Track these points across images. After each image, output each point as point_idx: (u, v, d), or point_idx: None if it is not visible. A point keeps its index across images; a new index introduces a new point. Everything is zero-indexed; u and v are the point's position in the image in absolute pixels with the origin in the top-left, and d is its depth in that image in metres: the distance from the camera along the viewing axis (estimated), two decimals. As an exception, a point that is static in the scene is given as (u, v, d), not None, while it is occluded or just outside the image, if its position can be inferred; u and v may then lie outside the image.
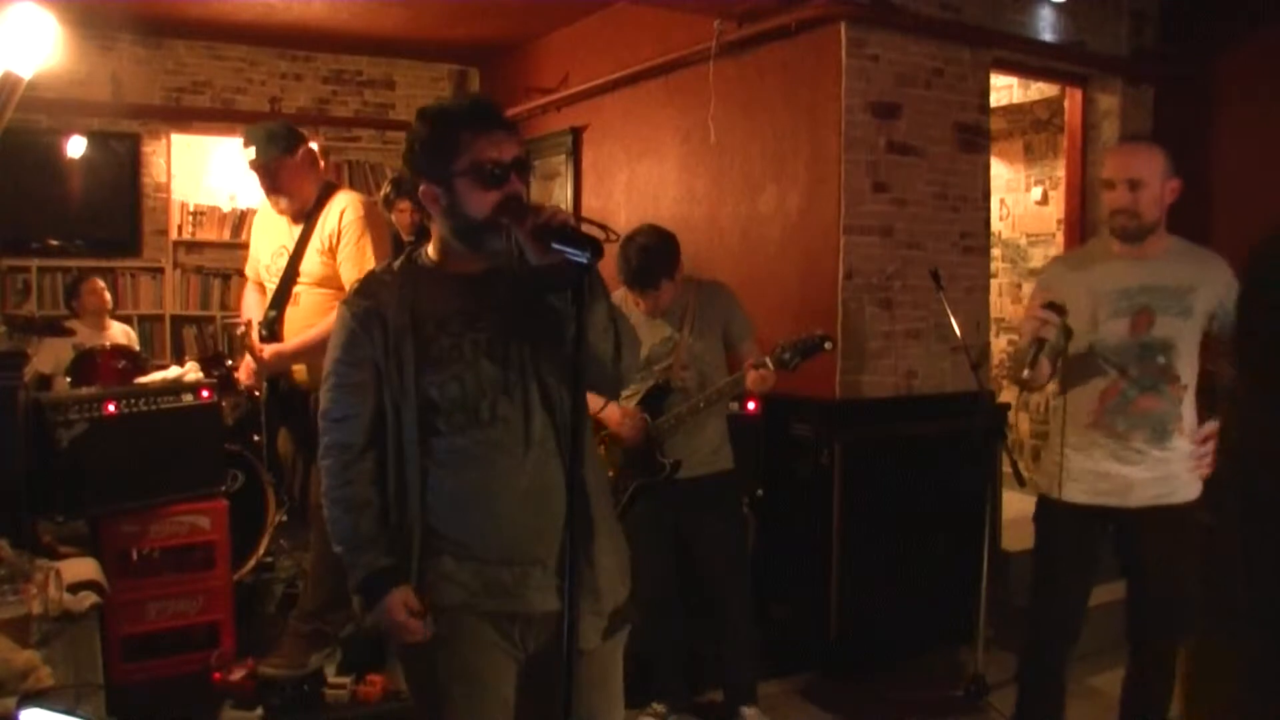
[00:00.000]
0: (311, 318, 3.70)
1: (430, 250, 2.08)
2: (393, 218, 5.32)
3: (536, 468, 1.99)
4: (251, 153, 3.66)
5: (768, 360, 3.23)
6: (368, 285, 2.07)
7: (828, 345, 3.20)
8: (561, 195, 6.48)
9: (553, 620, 1.98)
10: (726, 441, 3.64)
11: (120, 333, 5.87)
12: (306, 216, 3.74)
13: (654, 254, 3.44)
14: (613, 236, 2.46)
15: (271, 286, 3.81)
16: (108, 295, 5.89)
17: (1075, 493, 3.03)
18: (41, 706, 1.96)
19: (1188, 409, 2.95)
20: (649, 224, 3.57)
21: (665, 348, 3.55)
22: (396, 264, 2.10)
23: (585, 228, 1.83)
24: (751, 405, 4.14)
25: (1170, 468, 2.95)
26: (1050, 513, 3.13)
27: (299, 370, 3.75)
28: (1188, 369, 2.93)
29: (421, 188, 1.98)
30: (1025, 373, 2.89)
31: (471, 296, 2.01)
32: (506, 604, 2.01)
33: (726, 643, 3.64)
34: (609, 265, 2.24)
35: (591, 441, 2.18)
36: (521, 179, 1.97)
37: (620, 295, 3.57)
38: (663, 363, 3.53)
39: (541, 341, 2.00)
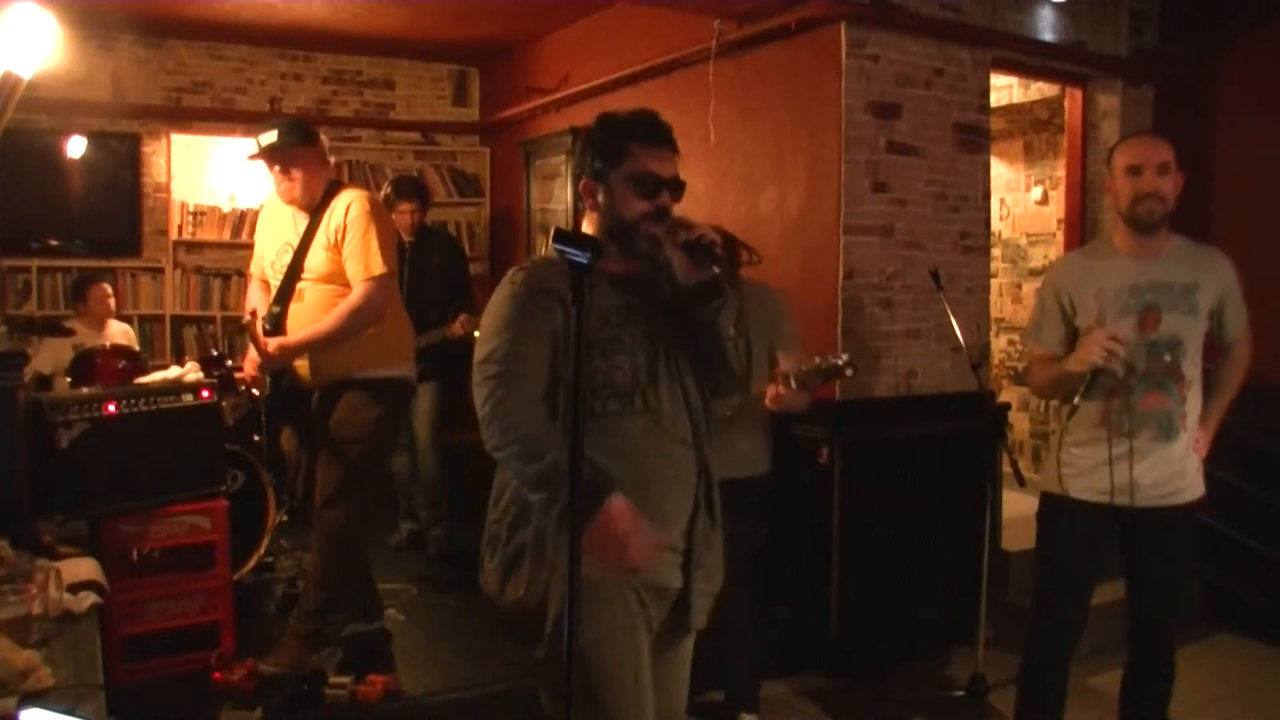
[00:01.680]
0: (315, 313, 3.70)
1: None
2: (392, 218, 5.32)
3: (681, 457, 2.19)
4: (272, 136, 3.66)
5: (791, 379, 3.20)
6: (540, 267, 2.19)
7: (849, 372, 3.17)
8: (561, 195, 6.49)
9: (673, 593, 2.21)
10: (761, 448, 3.58)
11: (119, 332, 5.87)
12: (312, 213, 3.75)
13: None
14: (754, 259, 3.05)
15: (276, 282, 3.81)
16: (112, 303, 5.88)
17: (1080, 490, 3.03)
18: (42, 707, 1.96)
19: (1193, 406, 2.97)
20: (711, 224, 3.54)
21: None
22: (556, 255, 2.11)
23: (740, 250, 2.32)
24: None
25: (1176, 466, 2.95)
26: (1055, 509, 3.13)
27: (301, 367, 3.76)
28: (1193, 366, 2.94)
29: (584, 182, 2.19)
30: (1076, 399, 2.94)
31: (627, 294, 2.17)
32: (648, 577, 2.15)
33: (730, 646, 3.63)
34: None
35: (716, 434, 2.35)
36: (674, 197, 2.17)
37: None
38: None
39: (686, 343, 2.21)
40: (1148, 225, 2.92)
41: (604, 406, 2.10)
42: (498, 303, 2.17)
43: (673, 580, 2.20)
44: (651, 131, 2.16)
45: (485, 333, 2.17)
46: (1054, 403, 3.22)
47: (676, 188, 2.17)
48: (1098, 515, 3.02)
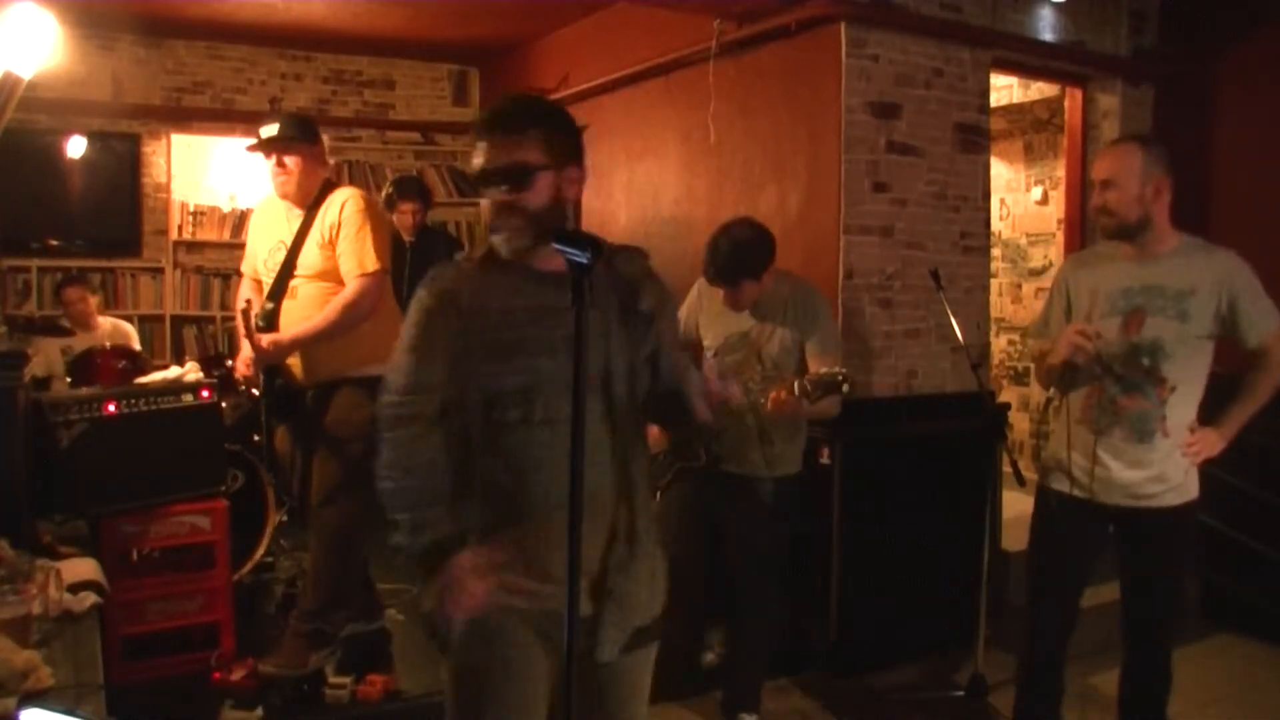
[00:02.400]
0: (308, 310, 3.69)
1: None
2: (394, 218, 5.32)
3: (591, 472, 1.93)
4: (274, 129, 3.65)
5: (795, 385, 3.18)
6: (445, 270, 2.10)
7: (845, 388, 3.11)
8: (561, 195, 6.49)
9: (585, 624, 1.98)
10: (793, 446, 3.54)
11: (112, 329, 5.82)
12: (308, 208, 3.75)
13: (745, 250, 3.36)
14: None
15: (268, 280, 3.80)
16: (89, 303, 5.77)
17: (1058, 482, 3.10)
18: (42, 707, 1.96)
19: (1176, 410, 2.93)
20: (747, 217, 3.50)
21: (740, 342, 3.48)
22: (479, 254, 2.11)
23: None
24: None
25: (1155, 470, 2.95)
26: (1043, 504, 3.19)
27: (295, 366, 3.75)
28: (1179, 372, 2.91)
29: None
30: (1052, 390, 2.94)
31: (544, 293, 2.01)
32: (545, 603, 2.00)
33: (738, 645, 3.62)
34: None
35: (646, 453, 2.18)
36: (502, 186, 1.98)
37: (700, 283, 3.56)
38: (734, 355, 3.46)
39: (616, 350, 2.02)
40: (1108, 236, 2.99)
41: (502, 415, 1.99)
42: (407, 316, 2.11)
43: (580, 608, 1.95)
44: (476, 127, 2.04)
45: (396, 352, 2.11)
46: (1052, 397, 3.23)
47: (493, 178, 1.99)
48: (1077, 509, 3.05)
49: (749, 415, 3.39)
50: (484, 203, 2.04)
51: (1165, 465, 2.95)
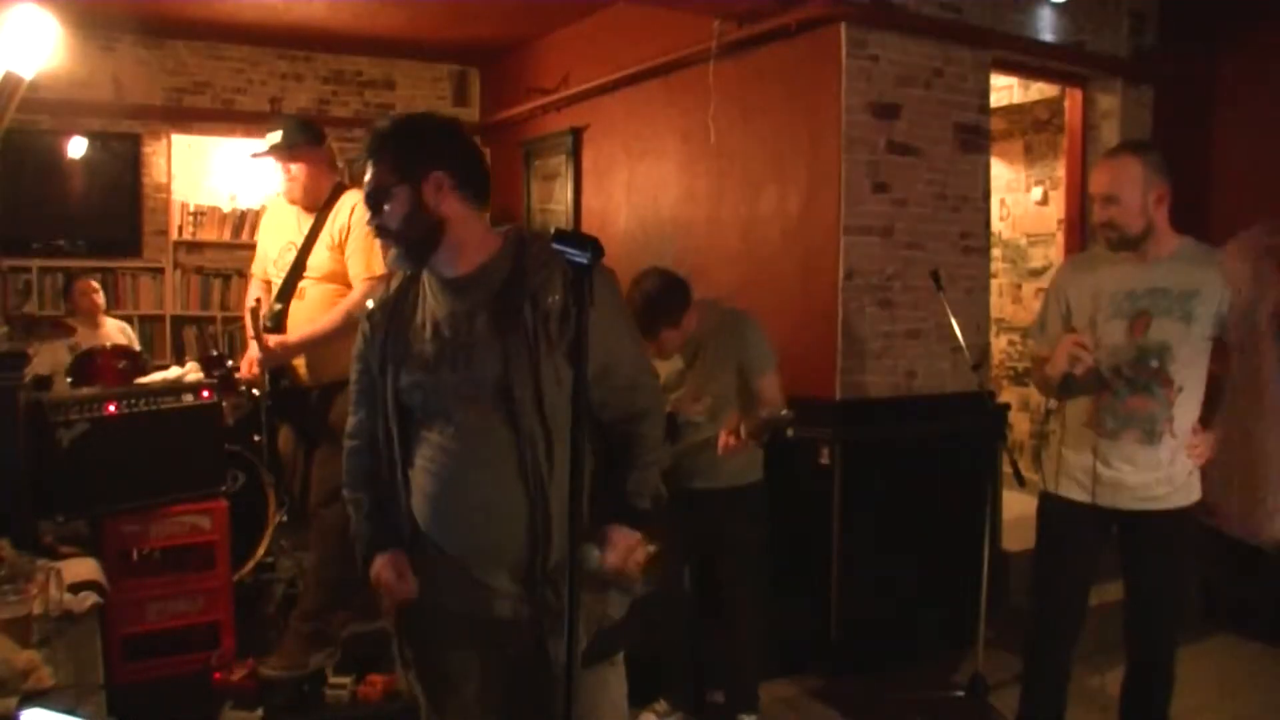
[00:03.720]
0: (316, 312, 3.71)
1: None
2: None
3: (491, 482, 1.98)
4: (277, 136, 3.68)
5: (741, 428, 3.20)
6: (379, 287, 2.18)
7: (790, 432, 3.20)
8: (562, 196, 6.49)
9: (522, 630, 2.01)
10: (749, 460, 3.54)
11: (116, 329, 5.86)
12: (318, 211, 3.76)
13: (656, 302, 3.38)
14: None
15: (278, 281, 3.83)
16: (100, 297, 5.86)
17: (1069, 488, 3.08)
18: (42, 706, 1.96)
19: (1182, 411, 2.95)
20: (655, 269, 3.49)
21: (677, 379, 3.51)
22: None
23: None
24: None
25: (1162, 471, 2.95)
26: (1048, 508, 3.17)
27: (300, 365, 3.77)
28: (1184, 372, 2.92)
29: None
30: (1051, 402, 2.94)
31: (454, 301, 2.04)
32: (471, 607, 2.05)
33: (732, 647, 3.63)
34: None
35: (573, 458, 1.93)
36: (373, 208, 2.02)
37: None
38: (675, 393, 3.48)
39: (515, 353, 1.96)
40: (1111, 248, 2.98)
41: (415, 425, 2.06)
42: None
43: (500, 611, 2.01)
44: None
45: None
46: (1053, 402, 3.22)
47: (371, 199, 2.03)
48: (1087, 514, 3.04)
49: (705, 449, 3.40)
50: None
51: (1173, 467, 2.96)
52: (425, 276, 2.09)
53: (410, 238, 2.00)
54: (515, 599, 2.01)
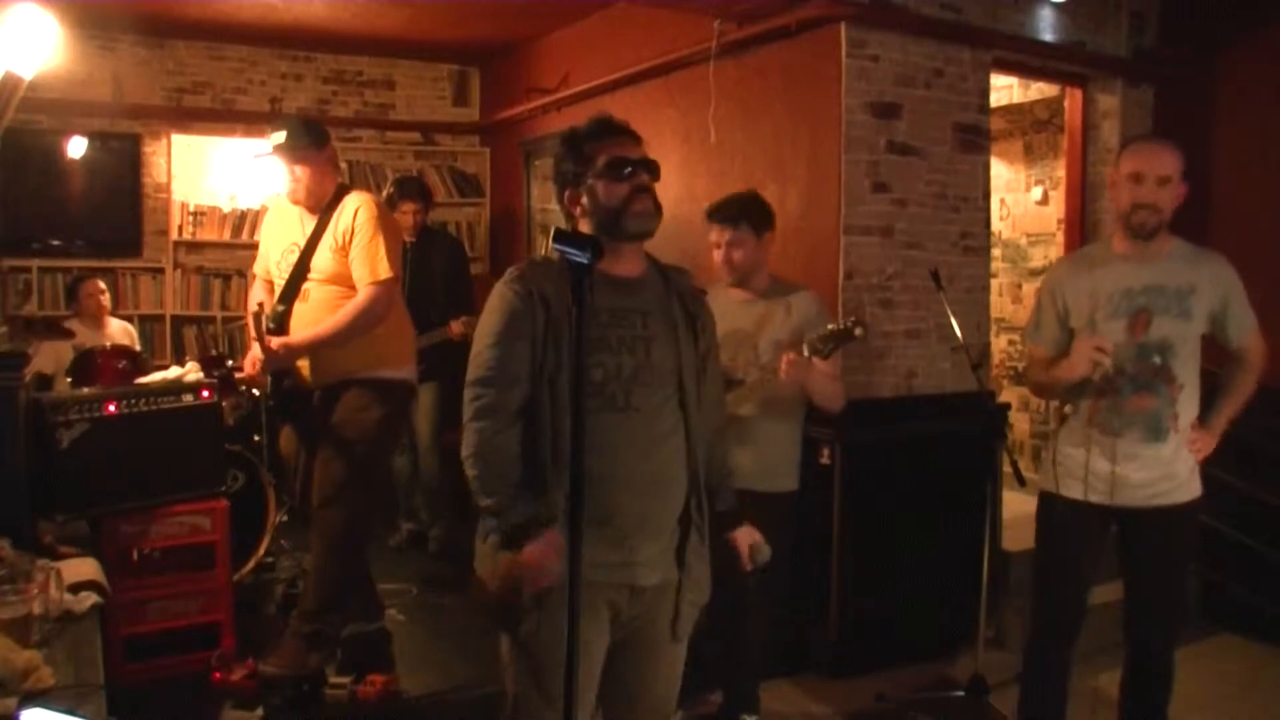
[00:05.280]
0: (320, 313, 3.70)
1: None
2: (397, 221, 5.32)
3: (664, 460, 2.23)
4: (280, 137, 3.68)
5: (805, 346, 3.16)
6: (531, 270, 2.28)
7: (858, 331, 3.11)
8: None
9: (651, 593, 2.24)
10: (787, 461, 3.50)
11: (120, 330, 5.86)
12: (321, 213, 3.75)
13: (754, 199, 3.52)
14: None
15: (280, 282, 3.82)
16: (106, 298, 5.88)
17: (1072, 489, 3.08)
18: (43, 707, 1.96)
19: (1185, 408, 2.97)
20: None
21: (733, 337, 3.43)
22: (556, 255, 2.22)
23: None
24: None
25: (1166, 468, 2.97)
26: (1049, 508, 3.17)
27: (303, 367, 3.76)
28: (1185, 369, 2.95)
29: (566, 194, 2.30)
30: (1068, 407, 2.96)
31: (623, 295, 2.24)
32: (614, 574, 2.20)
33: (735, 647, 3.61)
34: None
35: (705, 443, 2.39)
36: (651, 175, 2.25)
37: (715, 290, 3.58)
38: (727, 351, 3.37)
39: (681, 346, 2.28)
40: (1141, 233, 2.95)
41: (588, 403, 2.11)
42: (489, 308, 2.27)
43: (643, 578, 2.24)
44: (610, 126, 2.28)
45: (477, 341, 2.27)
46: (1054, 402, 3.23)
47: (651, 166, 2.26)
48: (1089, 514, 3.05)
49: (758, 425, 3.38)
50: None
51: (1176, 463, 2.97)
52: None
53: (660, 214, 2.27)
54: (660, 564, 2.25)
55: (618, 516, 2.19)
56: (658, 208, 2.25)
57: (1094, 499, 3.02)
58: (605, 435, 2.16)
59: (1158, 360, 2.92)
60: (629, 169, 2.22)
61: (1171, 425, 2.95)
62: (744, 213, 3.46)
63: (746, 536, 2.47)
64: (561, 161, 2.30)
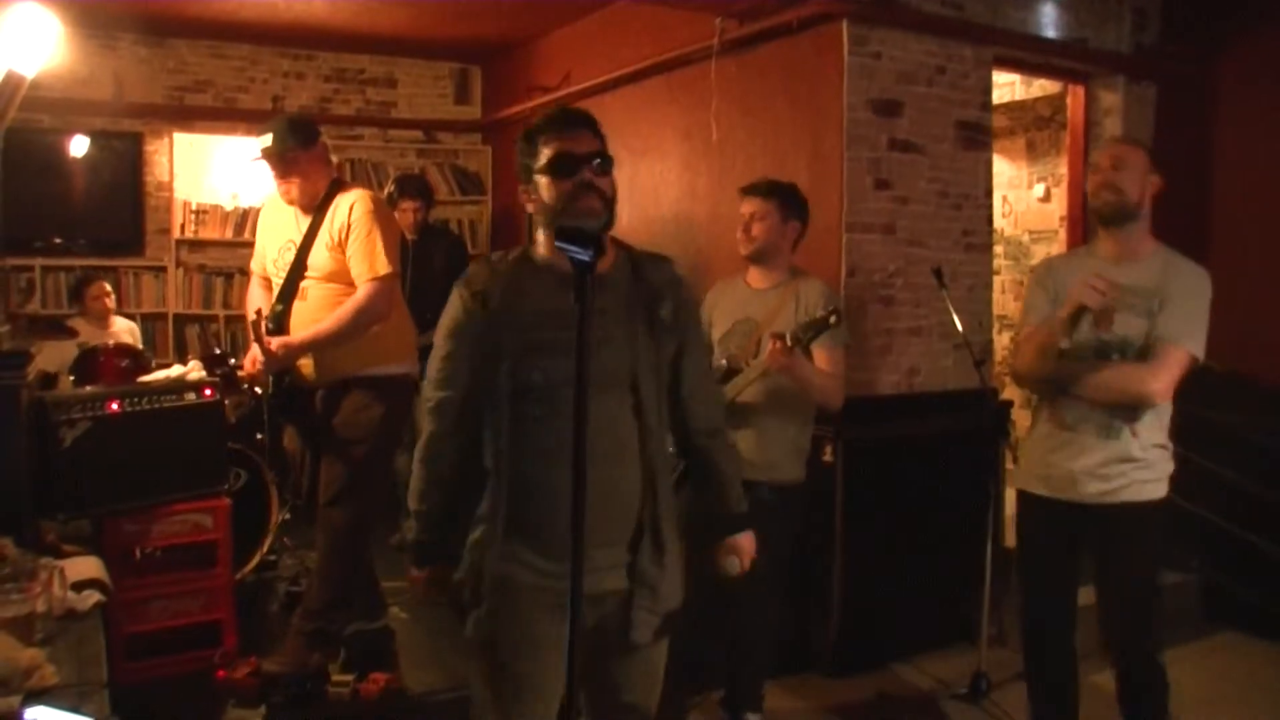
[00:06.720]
0: (318, 312, 3.68)
1: (542, 247, 2.21)
2: (396, 216, 5.31)
3: (609, 465, 2.09)
4: (268, 140, 3.65)
5: (788, 336, 3.18)
6: (480, 270, 2.24)
7: (833, 320, 3.16)
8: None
9: (611, 600, 2.15)
10: (790, 452, 3.48)
11: (125, 329, 5.87)
12: (316, 210, 3.74)
13: (789, 185, 3.51)
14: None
15: (278, 281, 3.80)
16: (111, 300, 5.88)
17: (1033, 484, 3.11)
18: (46, 705, 1.97)
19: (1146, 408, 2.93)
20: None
21: (744, 326, 3.47)
22: (512, 255, 2.25)
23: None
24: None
25: (1119, 465, 2.93)
26: (1022, 505, 3.20)
27: (305, 365, 3.75)
28: None
29: (520, 192, 2.23)
30: (1064, 342, 2.92)
31: (570, 296, 2.09)
32: (564, 581, 2.09)
33: (740, 645, 3.60)
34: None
35: (667, 450, 2.30)
36: (598, 170, 2.14)
37: (718, 284, 3.63)
38: (737, 339, 3.46)
39: (640, 352, 2.15)
40: (1106, 217, 2.98)
41: (530, 410, 2.12)
42: (444, 314, 2.26)
43: (593, 585, 2.08)
44: (561, 119, 2.18)
45: (434, 346, 2.27)
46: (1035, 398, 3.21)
47: (597, 161, 2.14)
48: (1053, 509, 3.05)
49: (764, 417, 3.38)
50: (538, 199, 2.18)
51: (1131, 461, 2.93)
52: (526, 266, 2.20)
53: (612, 212, 2.15)
54: (614, 570, 2.15)
55: (563, 526, 2.04)
56: (605, 204, 2.13)
57: (1052, 494, 3.03)
58: (549, 442, 2.10)
59: (1115, 358, 2.91)
60: (572, 163, 2.12)
61: (1124, 422, 2.92)
62: (774, 191, 3.49)
63: (726, 550, 2.41)
64: (519, 155, 2.22)
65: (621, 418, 2.12)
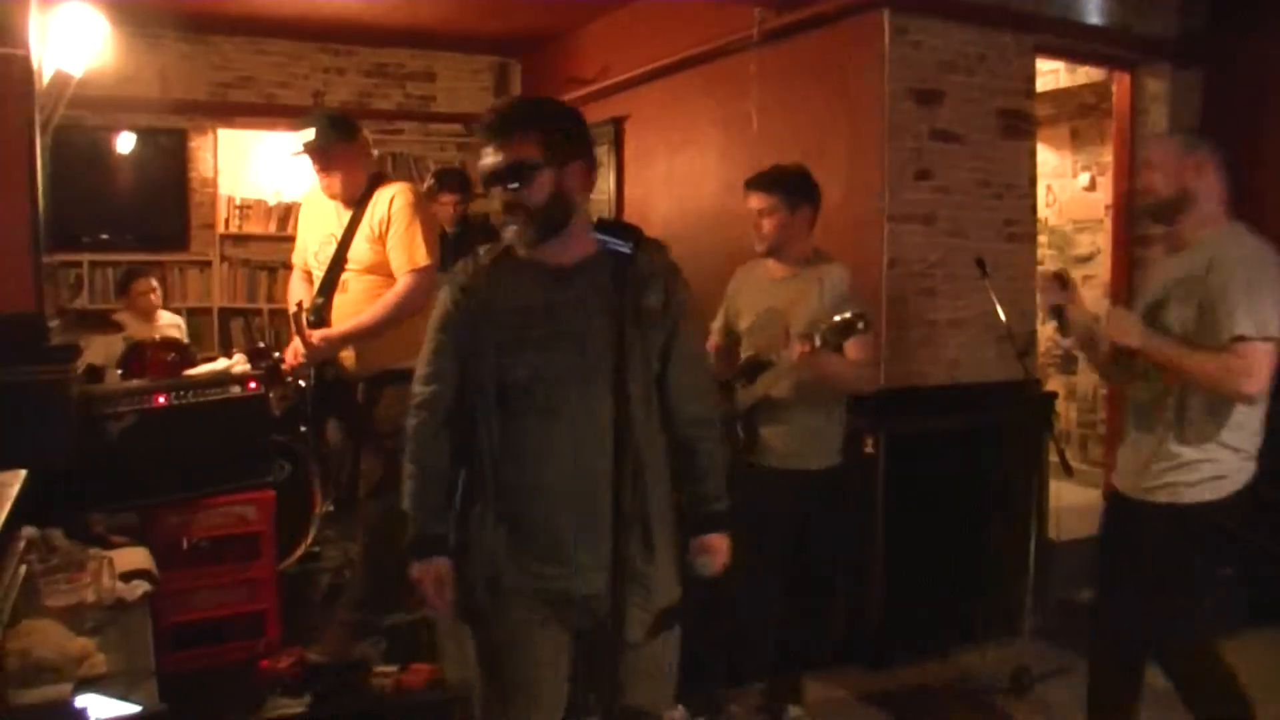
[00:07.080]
0: (359, 304, 3.72)
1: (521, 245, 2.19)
2: (435, 210, 5.34)
3: (589, 460, 2.07)
4: (310, 134, 3.68)
5: (816, 336, 3.12)
6: (467, 266, 2.23)
7: (860, 325, 3.08)
8: (603, 185, 6.48)
9: (599, 604, 2.06)
10: (821, 442, 3.43)
11: (170, 324, 5.94)
12: (356, 204, 3.77)
13: (796, 171, 3.47)
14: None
15: (319, 274, 3.83)
16: (157, 295, 5.94)
17: (1114, 478, 3.07)
18: (96, 693, 2.00)
19: (1185, 400, 2.76)
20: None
21: (769, 317, 3.42)
22: (496, 250, 2.23)
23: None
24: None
25: (1150, 461, 2.82)
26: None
27: (347, 357, 3.78)
28: None
29: None
30: (1066, 341, 2.91)
31: (554, 288, 2.13)
32: (554, 583, 2.13)
33: (776, 639, 3.58)
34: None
35: (660, 443, 2.26)
36: (505, 185, 2.09)
37: (740, 270, 3.63)
38: (766, 332, 3.42)
39: (620, 338, 2.01)
40: (1149, 217, 3.09)
41: (513, 404, 2.12)
42: (435, 308, 2.27)
43: (581, 587, 2.12)
44: (484, 128, 2.13)
45: (425, 341, 2.28)
46: (1103, 391, 3.18)
47: (497, 178, 2.10)
48: (1115, 500, 3.02)
49: (795, 406, 3.36)
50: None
51: (1161, 458, 2.80)
52: (507, 261, 2.19)
53: (545, 219, 2.09)
54: (597, 573, 2.07)
55: (550, 526, 2.11)
56: (528, 218, 2.09)
57: (1121, 490, 2.96)
58: (531, 441, 2.10)
59: None
60: (490, 183, 2.13)
61: (1159, 417, 2.80)
62: (778, 183, 3.43)
63: (698, 549, 2.30)
64: None
65: (605, 410, 2.02)
